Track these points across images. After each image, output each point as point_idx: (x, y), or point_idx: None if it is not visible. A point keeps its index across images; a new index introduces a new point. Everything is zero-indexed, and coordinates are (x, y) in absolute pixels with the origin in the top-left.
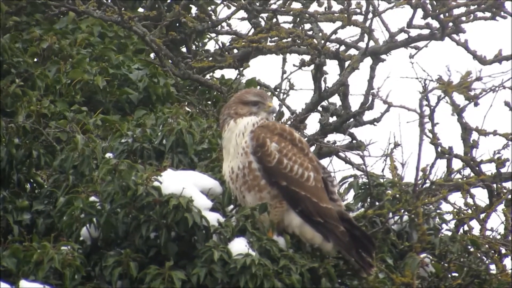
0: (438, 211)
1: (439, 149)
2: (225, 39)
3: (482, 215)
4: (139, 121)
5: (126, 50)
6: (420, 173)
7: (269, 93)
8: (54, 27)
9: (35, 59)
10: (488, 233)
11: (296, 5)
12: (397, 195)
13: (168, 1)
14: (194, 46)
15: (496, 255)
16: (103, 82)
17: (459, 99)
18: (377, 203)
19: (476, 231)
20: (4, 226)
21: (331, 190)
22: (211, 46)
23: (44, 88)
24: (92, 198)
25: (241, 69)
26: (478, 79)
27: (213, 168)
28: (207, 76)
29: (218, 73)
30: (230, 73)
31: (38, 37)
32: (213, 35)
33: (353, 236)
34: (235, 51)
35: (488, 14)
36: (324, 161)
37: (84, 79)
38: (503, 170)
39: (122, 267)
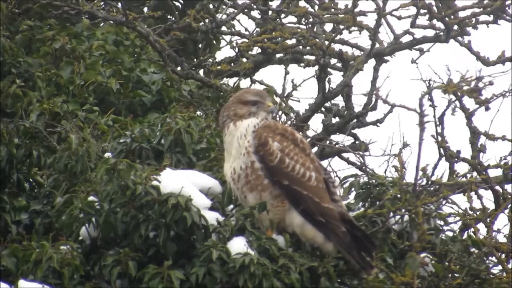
0: (439, 211)
1: (447, 152)
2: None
3: (488, 218)
4: (150, 123)
5: (140, 60)
6: (420, 173)
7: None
8: (68, 29)
9: (46, 59)
10: (493, 234)
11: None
12: (398, 195)
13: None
14: (204, 55)
15: (504, 256)
16: (116, 84)
17: (470, 103)
18: (377, 203)
19: (482, 233)
20: (3, 226)
21: (332, 191)
22: (219, 57)
23: (57, 88)
24: (91, 198)
25: (243, 72)
26: (479, 79)
27: (211, 168)
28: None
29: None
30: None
31: (51, 37)
32: (228, 39)
33: (354, 236)
34: (244, 60)
35: (491, 18)
36: (325, 162)
37: (97, 81)
38: None
39: (121, 266)
